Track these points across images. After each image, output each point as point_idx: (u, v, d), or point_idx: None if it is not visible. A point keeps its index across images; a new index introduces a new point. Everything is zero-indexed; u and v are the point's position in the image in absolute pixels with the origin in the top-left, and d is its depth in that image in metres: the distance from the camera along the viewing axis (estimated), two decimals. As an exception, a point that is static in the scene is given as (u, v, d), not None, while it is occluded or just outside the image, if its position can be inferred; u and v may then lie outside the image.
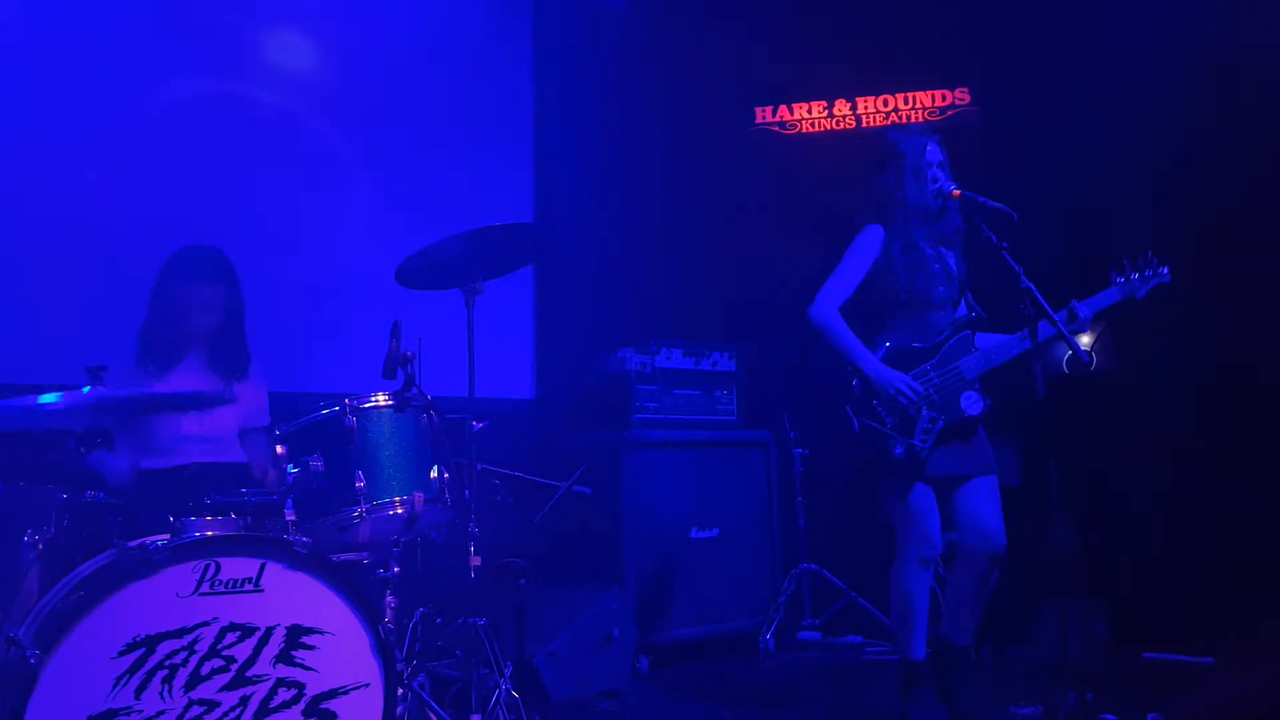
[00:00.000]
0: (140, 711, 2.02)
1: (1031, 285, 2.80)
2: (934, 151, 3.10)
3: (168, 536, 2.18)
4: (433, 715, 2.66)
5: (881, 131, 3.37)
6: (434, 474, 2.63)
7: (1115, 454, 4.17)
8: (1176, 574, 3.92)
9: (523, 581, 3.14)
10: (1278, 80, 4.03)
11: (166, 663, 2.05)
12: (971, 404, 3.00)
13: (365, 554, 2.72)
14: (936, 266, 3.08)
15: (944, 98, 4.89)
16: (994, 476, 3.05)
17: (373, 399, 2.62)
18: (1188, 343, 4.10)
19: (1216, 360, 4.06)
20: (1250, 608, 3.63)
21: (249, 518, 2.35)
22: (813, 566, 4.45)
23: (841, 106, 5.02)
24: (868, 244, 3.12)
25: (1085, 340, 3.95)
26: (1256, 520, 3.83)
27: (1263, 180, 4.02)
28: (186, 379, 2.89)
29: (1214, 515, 3.94)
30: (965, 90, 4.86)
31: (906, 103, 4.93)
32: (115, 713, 2.00)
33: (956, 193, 2.99)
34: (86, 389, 2.16)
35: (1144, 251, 3.08)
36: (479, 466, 2.82)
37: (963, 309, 3.14)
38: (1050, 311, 2.81)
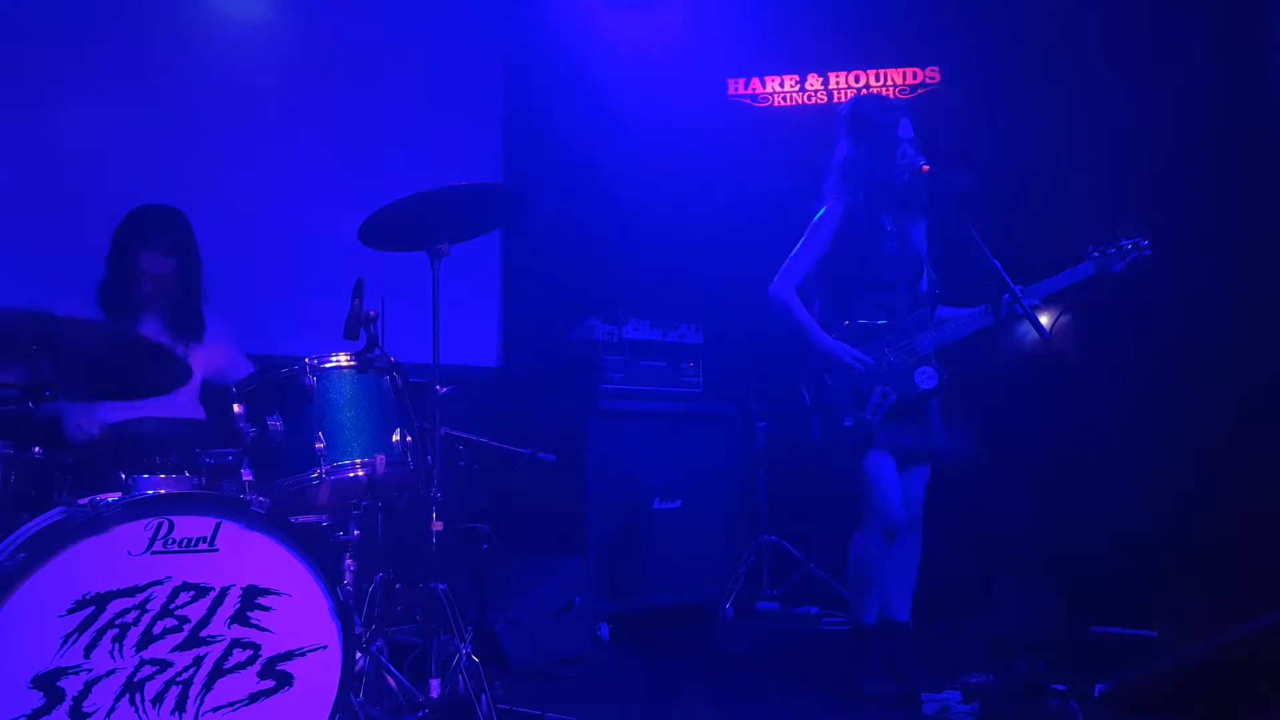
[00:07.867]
0: (89, 670, 1.98)
1: (997, 263, 2.82)
2: (906, 127, 3.10)
3: (119, 494, 2.13)
4: (391, 679, 2.65)
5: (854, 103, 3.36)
6: (396, 437, 2.59)
7: (1069, 433, 4.24)
8: (1123, 551, 4.01)
9: (485, 547, 3.13)
10: (1251, 55, 4.07)
11: (117, 621, 2.01)
12: (926, 379, 3.03)
13: (324, 516, 2.68)
14: (895, 244, 3.09)
15: (915, 75, 4.89)
16: (929, 465, 3.12)
17: (334, 359, 2.57)
18: (1146, 324, 4.16)
19: (1173, 342, 4.13)
20: (1191, 584, 3.74)
21: (204, 477, 2.31)
22: (772, 538, 4.49)
23: (814, 81, 5.00)
24: (826, 222, 3.12)
25: (1045, 320, 4.00)
26: (1198, 501, 3.94)
27: (1236, 161, 4.07)
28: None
29: (1159, 495, 4.04)
30: (936, 69, 4.86)
31: (878, 79, 4.93)
32: (63, 671, 1.96)
33: (925, 168, 3.00)
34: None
35: (1123, 225, 3.02)
36: (443, 431, 2.79)
37: (924, 285, 3.16)
38: (1014, 288, 2.83)
